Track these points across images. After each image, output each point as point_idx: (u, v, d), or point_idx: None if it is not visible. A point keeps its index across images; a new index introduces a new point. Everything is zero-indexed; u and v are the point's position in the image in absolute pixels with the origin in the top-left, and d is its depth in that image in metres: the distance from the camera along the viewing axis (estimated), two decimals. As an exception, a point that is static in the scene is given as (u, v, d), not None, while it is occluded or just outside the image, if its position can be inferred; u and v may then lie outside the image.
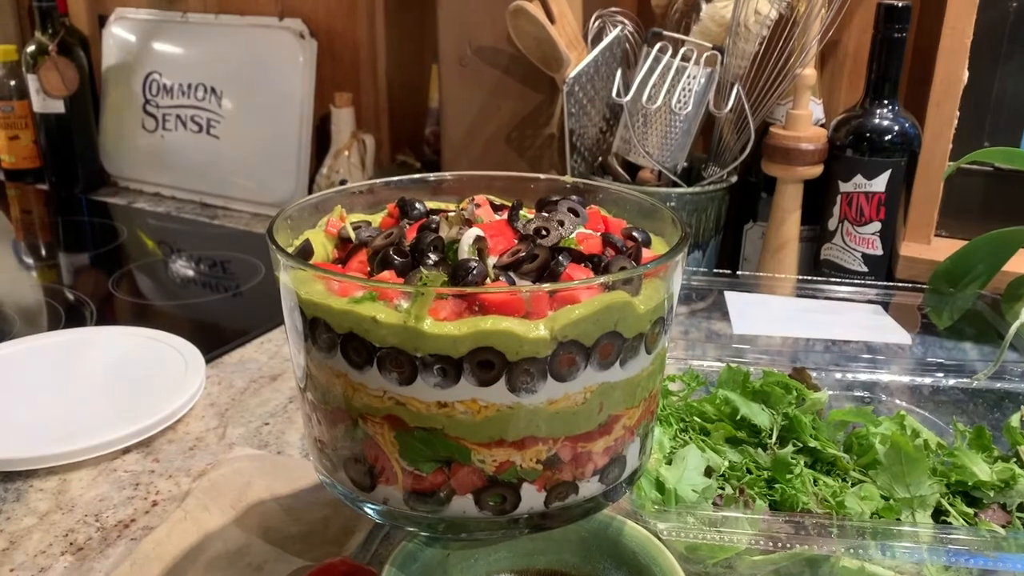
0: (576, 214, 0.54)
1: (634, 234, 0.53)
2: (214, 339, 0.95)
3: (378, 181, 0.59)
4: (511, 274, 0.46)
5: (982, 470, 0.63)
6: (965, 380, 0.72)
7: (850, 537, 0.53)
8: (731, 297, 0.85)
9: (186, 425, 0.79)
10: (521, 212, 0.52)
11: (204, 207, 1.47)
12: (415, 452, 0.45)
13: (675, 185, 1.00)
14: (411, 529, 0.49)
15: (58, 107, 1.47)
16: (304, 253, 0.50)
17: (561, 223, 0.50)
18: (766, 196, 1.03)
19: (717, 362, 0.75)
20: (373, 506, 0.49)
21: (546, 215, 0.51)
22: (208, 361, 0.89)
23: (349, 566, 0.54)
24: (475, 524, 0.48)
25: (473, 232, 0.47)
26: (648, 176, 1.04)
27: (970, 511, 0.61)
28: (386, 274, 0.46)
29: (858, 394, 0.75)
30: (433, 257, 0.47)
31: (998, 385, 0.71)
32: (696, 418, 0.68)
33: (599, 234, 0.52)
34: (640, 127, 0.98)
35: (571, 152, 0.98)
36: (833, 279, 0.92)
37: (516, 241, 0.49)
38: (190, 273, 1.22)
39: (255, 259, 1.21)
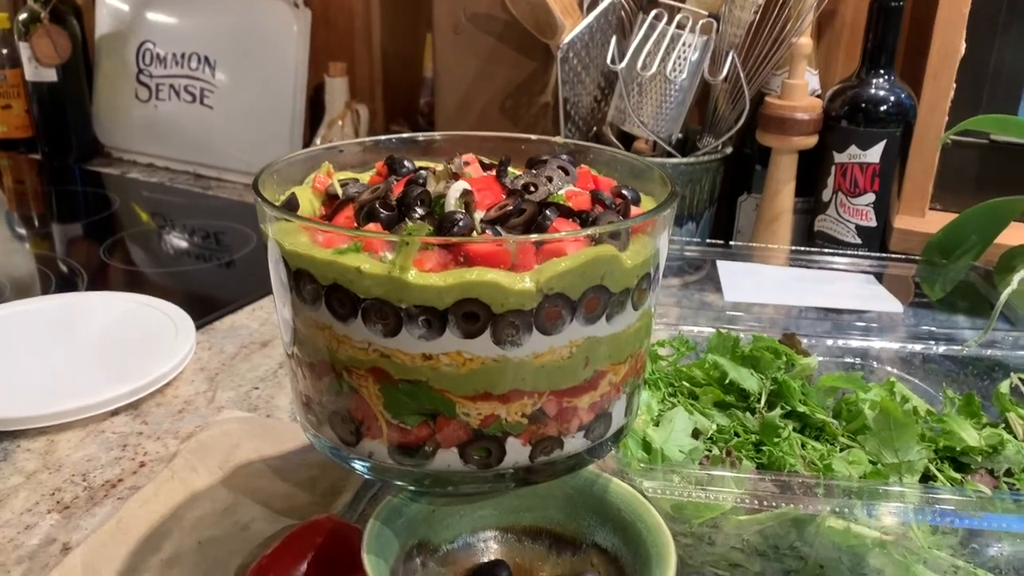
0: (566, 172, 0.53)
1: (623, 192, 0.52)
2: (206, 306, 0.95)
3: (367, 140, 0.59)
4: (498, 228, 0.46)
5: (970, 435, 0.63)
6: (955, 348, 0.72)
7: (836, 497, 0.53)
8: (723, 266, 0.85)
9: (175, 389, 0.79)
10: (509, 169, 0.52)
11: (198, 178, 1.46)
12: (400, 405, 0.45)
13: (669, 156, 1.00)
14: (398, 483, 0.49)
15: (50, 76, 1.46)
16: (290, 205, 0.49)
17: (549, 179, 0.50)
18: (761, 168, 1.03)
19: (709, 328, 0.75)
20: (359, 461, 0.49)
21: (535, 172, 0.51)
22: (199, 327, 0.89)
23: (334, 523, 0.54)
24: (461, 478, 0.48)
25: (460, 185, 0.47)
26: (643, 147, 1.03)
27: (958, 476, 0.61)
28: (372, 227, 0.46)
29: (849, 361, 0.74)
30: (420, 211, 0.47)
31: (988, 353, 0.71)
32: (685, 383, 0.68)
33: (588, 191, 0.51)
34: (635, 96, 0.97)
35: (565, 121, 0.97)
36: (826, 250, 0.92)
37: (504, 197, 0.49)
38: (183, 243, 1.21)
39: (248, 229, 1.21)
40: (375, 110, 1.34)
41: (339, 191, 0.52)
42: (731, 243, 0.93)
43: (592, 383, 0.47)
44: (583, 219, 0.47)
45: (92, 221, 1.31)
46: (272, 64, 1.36)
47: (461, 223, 0.44)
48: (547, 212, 0.46)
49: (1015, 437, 0.64)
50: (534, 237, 0.44)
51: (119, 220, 1.29)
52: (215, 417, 0.73)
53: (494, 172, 0.52)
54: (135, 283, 1.06)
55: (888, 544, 0.54)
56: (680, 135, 1.03)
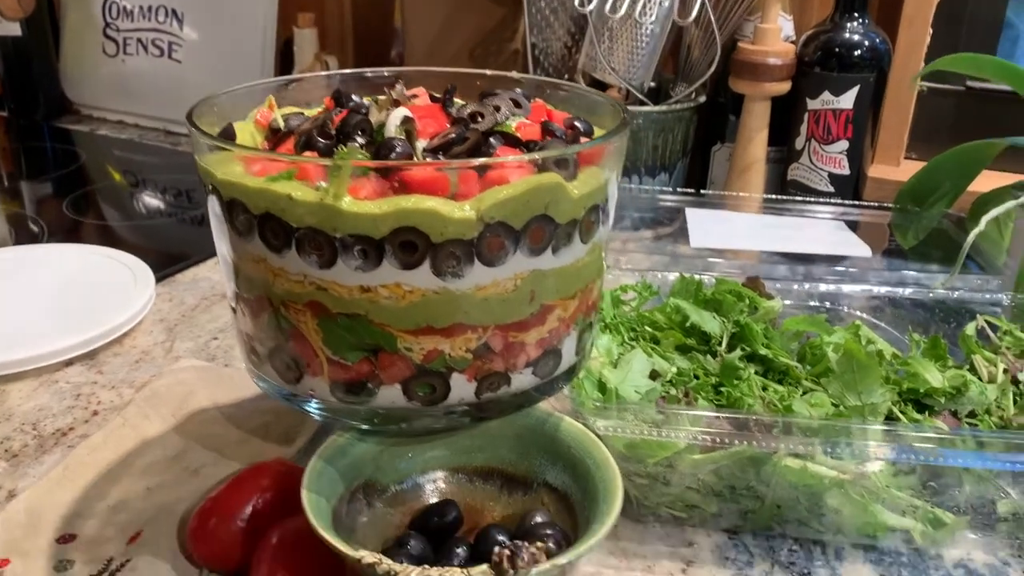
0: (518, 105, 0.52)
1: (575, 123, 0.51)
2: (169, 260, 0.93)
3: (312, 75, 0.57)
4: (440, 156, 0.44)
5: (934, 377, 0.62)
6: (922, 292, 0.71)
7: (794, 436, 0.52)
8: (691, 213, 0.83)
9: (133, 339, 0.78)
10: (456, 100, 0.50)
11: (168, 135, 1.43)
12: (339, 340, 0.44)
13: (641, 104, 0.98)
14: (349, 422, 0.48)
15: (14, 30, 1.42)
16: (226, 134, 0.47)
17: (497, 108, 0.48)
18: (734, 118, 1.01)
19: (676, 275, 0.74)
20: (303, 400, 0.47)
21: (480, 101, 0.49)
22: (160, 279, 0.87)
23: (282, 466, 0.53)
24: (408, 414, 0.46)
25: (400, 112, 0.45)
26: (615, 95, 1.01)
27: (921, 418, 0.60)
28: (308, 155, 0.44)
29: (815, 305, 0.73)
30: (360, 140, 0.45)
31: (955, 296, 0.70)
32: (647, 327, 0.66)
33: (539, 123, 0.50)
34: (605, 42, 0.95)
35: (534, 67, 0.95)
36: (798, 198, 0.90)
37: (448, 126, 0.47)
38: (152, 200, 1.19)
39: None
40: (346, 62, 1.32)
41: (282, 125, 0.51)
42: (703, 191, 0.91)
43: (539, 318, 0.46)
44: (530, 149, 0.46)
45: (58, 176, 1.29)
46: (241, 16, 1.33)
47: (399, 149, 0.42)
48: (491, 140, 0.45)
49: (980, 379, 0.64)
50: (475, 161, 0.42)
51: (85, 175, 1.27)
52: (171, 366, 0.72)
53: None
54: (101, 238, 1.04)
55: (846, 484, 0.54)
56: (653, 84, 1.01)
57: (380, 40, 1.32)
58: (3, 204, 1.21)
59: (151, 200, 1.19)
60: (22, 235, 1.04)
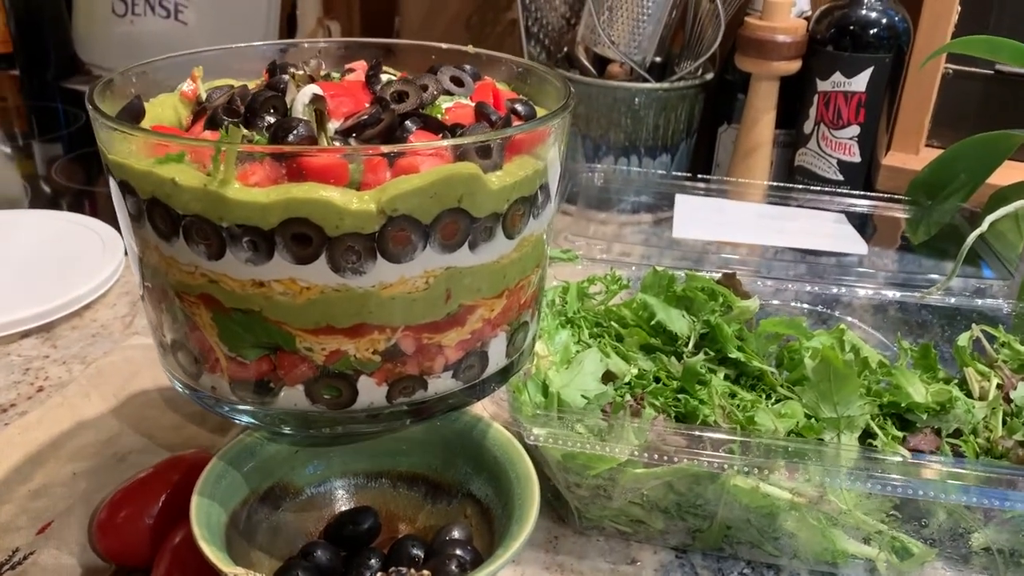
0: (460, 84, 0.48)
1: (517, 107, 0.46)
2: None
3: (245, 44, 0.53)
4: (351, 140, 0.40)
5: (917, 391, 0.57)
6: (916, 295, 0.65)
7: (747, 455, 0.48)
8: (681, 200, 0.78)
9: (94, 312, 0.76)
10: (386, 76, 0.46)
11: (175, 98, 1.41)
12: (235, 336, 0.41)
13: (643, 81, 0.93)
14: (261, 426, 0.45)
15: (25, -12, 1.41)
16: (131, 111, 0.44)
17: (424, 87, 0.44)
18: (743, 96, 0.95)
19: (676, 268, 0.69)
20: (207, 399, 0.44)
21: (409, 79, 0.45)
22: (133, 249, 0.85)
23: (198, 458, 0.50)
24: (324, 419, 0.43)
25: (310, 90, 0.41)
26: (617, 71, 0.96)
27: (900, 435, 0.55)
28: (208, 135, 0.41)
29: (801, 305, 0.68)
30: (269, 119, 0.42)
31: (952, 301, 0.65)
32: (614, 323, 0.62)
33: (474, 105, 0.45)
34: (605, 13, 0.90)
35: (527, 38, 0.90)
36: (800, 187, 0.85)
37: (367, 105, 0.43)
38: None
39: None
40: (352, 28, 1.28)
41: (204, 97, 0.47)
42: (700, 176, 0.86)
43: (457, 318, 0.42)
44: (453, 134, 0.42)
45: (46, 139, 1.28)
46: (246, -23, 1.29)
47: (298, 131, 0.39)
48: (408, 124, 0.41)
49: (971, 394, 0.59)
50: (384, 149, 0.38)
51: (77, 138, 1.26)
52: (124, 343, 0.70)
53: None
54: (78, 201, 1.03)
55: (801, 507, 0.49)
56: (658, 59, 0.96)
57: (386, 6, 1.28)
58: (18, 164, 1.21)
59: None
60: (38, 197, 1.04)
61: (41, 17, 1.45)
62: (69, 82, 1.48)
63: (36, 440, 0.58)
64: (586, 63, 0.96)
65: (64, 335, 0.72)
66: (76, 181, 1.11)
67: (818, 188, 0.86)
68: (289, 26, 1.31)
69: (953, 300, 0.64)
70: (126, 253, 0.83)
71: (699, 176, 0.87)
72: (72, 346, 0.71)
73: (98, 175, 1.13)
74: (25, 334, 0.72)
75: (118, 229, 0.84)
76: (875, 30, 0.85)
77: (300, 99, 0.41)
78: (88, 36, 1.49)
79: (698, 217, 0.76)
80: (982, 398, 0.58)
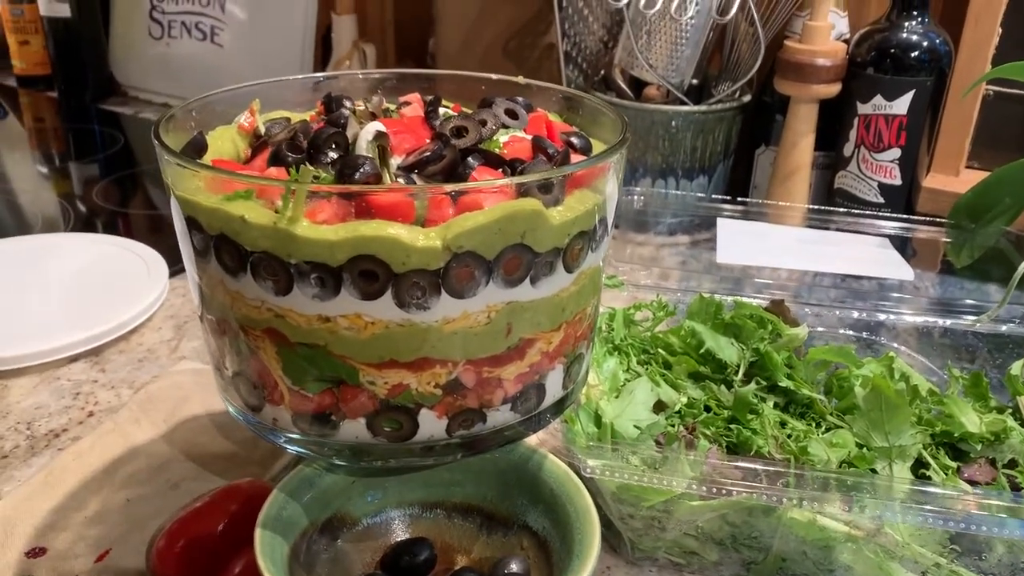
0: (514, 116, 0.48)
1: (572, 140, 0.47)
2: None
3: (308, 76, 0.54)
4: (413, 176, 0.41)
5: (971, 421, 0.56)
6: (966, 322, 0.65)
7: (803, 487, 0.48)
8: (723, 224, 0.78)
9: (140, 336, 0.76)
10: (443, 110, 0.47)
11: (210, 119, 1.43)
12: (299, 370, 0.41)
13: (681, 104, 0.93)
14: (318, 456, 0.45)
15: (64, 11, 1.43)
16: (195, 146, 0.45)
17: (483, 123, 0.44)
18: (781, 118, 0.95)
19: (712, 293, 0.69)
20: (267, 429, 0.45)
21: (468, 113, 0.46)
22: (175, 273, 0.86)
23: (254, 488, 0.50)
24: (381, 451, 0.44)
25: (373, 127, 0.42)
26: (654, 93, 0.96)
27: (953, 465, 0.55)
28: (274, 171, 0.41)
29: (849, 333, 0.68)
30: (332, 155, 0.42)
31: (1003, 329, 0.64)
32: (661, 350, 0.62)
33: (531, 139, 0.46)
34: (643, 37, 0.90)
35: (566, 62, 0.91)
36: (842, 210, 0.84)
37: (428, 141, 0.43)
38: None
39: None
40: (386, 51, 1.29)
41: (263, 130, 0.48)
42: (739, 199, 0.86)
43: (517, 352, 0.42)
44: (513, 169, 0.42)
45: (87, 161, 1.29)
46: (282, 1, 1.31)
47: (363, 168, 0.39)
48: (470, 160, 0.41)
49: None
50: (449, 188, 0.39)
51: (117, 161, 1.27)
52: (173, 368, 0.70)
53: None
54: (120, 225, 1.04)
55: (858, 539, 0.49)
56: (695, 81, 0.96)
57: (421, 29, 1.29)
58: (55, 185, 1.23)
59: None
60: (76, 219, 1.06)
61: (79, 40, 1.47)
62: (106, 103, 1.51)
63: (90, 466, 0.58)
64: (623, 86, 0.96)
65: (112, 359, 0.73)
66: (113, 203, 1.12)
67: (859, 211, 0.85)
68: (324, 48, 1.33)
69: (1004, 328, 0.63)
70: (171, 276, 0.84)
71: (738, 199, 0.87)
72: (120, 370, 0.71)
73: (134, 197, 1.15)
74: (74, 358, 0.72)
75: (161, 252, 0.86)
76: (916, 53, 0.84)
77: (364, 136, 0.41)
78: (125, 58, 1.51)
79: (741, 242, 0.76)
80: (1036, 428, 0.57)
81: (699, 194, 0.96)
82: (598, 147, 0.47)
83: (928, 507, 0.46)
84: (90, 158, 1.32)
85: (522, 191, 0.39)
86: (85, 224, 1.05)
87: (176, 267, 0.87)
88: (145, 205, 1.13)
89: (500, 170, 0.42)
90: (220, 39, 1.38)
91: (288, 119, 0.50)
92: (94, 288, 0.81)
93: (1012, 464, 0.55)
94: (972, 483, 0.53)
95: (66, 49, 1.47)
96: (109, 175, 1.22)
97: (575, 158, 0.44)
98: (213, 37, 1.39)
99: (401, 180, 0.40)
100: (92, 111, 1.49)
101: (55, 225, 1.04)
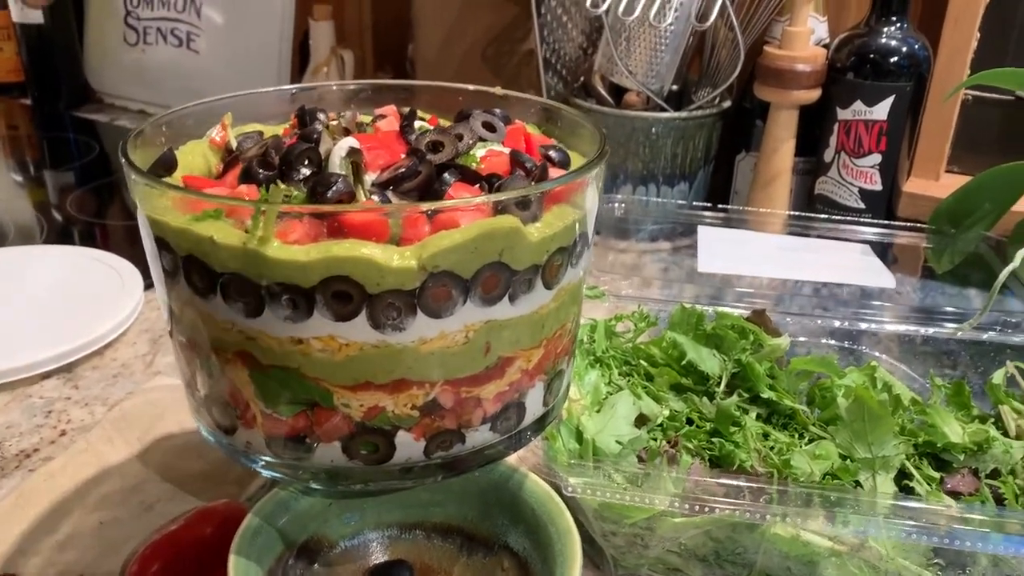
0: (492, 129, 0.47)
1: (551, 153, 0.46)
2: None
3: (273, 89, 0.53)
4: (388, 194, 0.40)
5: (954, 431, 0.56)
6: (948, 330, 0.65)
7: (785, 503, 0.47)
8: (703, 232, 0.77)
9: (114, 351, 0.75)
10: (420, 123, 0.46)
11: (187, 126, 1.41)
12: (272, 393, 0.40)
13: (661, 111, 0.92)
14: (294, 480, 0.44)
15: (37, 17, 1.41)
16: (165, 165, 0.43)
17: (460, 137, 0.44)
18: (761, 124, 0.95)
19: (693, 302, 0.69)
20: (241, 453, 0.44)
21: (444, 127, 0.45)
22: (151, 286, 0.84)
23: (230, 510, 0.49)
24: (358, 473, 0.43)
25: (346, 143, 0.41)
26: (634, 99, 0.95)
27: (937, 476, 0.54)
28: (244, 189, 0.40)
29: (830, 342, 0.68)
30: (305, 171, 0.41)
31: (985, 337, 0.64)
32: (643, 362, 0.62)
33: (509, 152, 0.45)
34: (622, 43, 0.90)
35: (545, 68, 0.90)
36: (823, 216, 0.84)
37: (403, 156, 0.43)
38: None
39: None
40: (364, 56, 1.28)
41: (234, 145, 0.47)
42: (720, 206, 0.85)
43: (496, 371, 0.42)
44: (491, 185, 0.41)
45: (61, 171, 1.28)
46: (258, 7, 1.29)
47: (336, 187, 0.38)
48: (446, 176, 0.41)
49: (1007, 433, 0.58)
50: (425, 206, 0.38)
51: (92, 170, 1.26)
52: (147, 384, 0.69)
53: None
54: (94, 235, 1.03)
55: (843, 554, 0.49)
56: (675, 87, 0.96)
57: (399, 35, 1.28)
58: (30, 193, 1.21)
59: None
60: (52, 228, 1.04)
61: (53, 46, 1.45)
62: (81, 111, 1.49)
63: (61, 488, 0.57)
64: (603, 92, 0.96)
65: (85, 375, 0.72)
66: (89, 212, 1.11)
67: (840, 217, 0.85)
68: (302, 54, 1.31)
69: (985, 336, 0.63)
70: (145, 289, 0.83)
71: (719, 206, 0.86)
72: (93, 387, 0.70)
73: (111, 206, 1.13)
74: (46, 375, 0.71)
75: (136, 264, 0.84)
76: (895, 58, 0.84)
77: (337, 152, 0.41)
78: (100, 65, 1.49)
79: (722, 250, 0.75)
80: (1019, 437, 0.57)
81: (680, 201, 0.96)
82: (577, 159, 0.47)
83: (911, 522, 0.46)
84: (65, 166, 1.30)
85: (499, 208, 0.38)
86: (60, 234, 1.03)
87: (151, 279, 0.85)
88: (122, 215, 1.11)
89: (477, 186, 0.41)
90: (196, 45, 1.36)
91: (261, 132, 0.49)
92: (67, 302, 0.79)
93: (995, 474, 0.55)
94: (955, 494, 0.53)
95: (40, 56, 1.45)
96: (85, 184, 1.21)
97: (554, 172, 0.44)
98: (189, 43, 1.37)
99: (376, 197, 0.40)
100: (67, 119, 1.47)
101: (30, 235, 1.03)
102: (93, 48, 1.49)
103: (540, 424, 0.47)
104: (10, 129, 1.48)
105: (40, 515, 0.55)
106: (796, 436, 0.57)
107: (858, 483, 0.52)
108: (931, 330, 0.64)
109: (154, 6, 1.40)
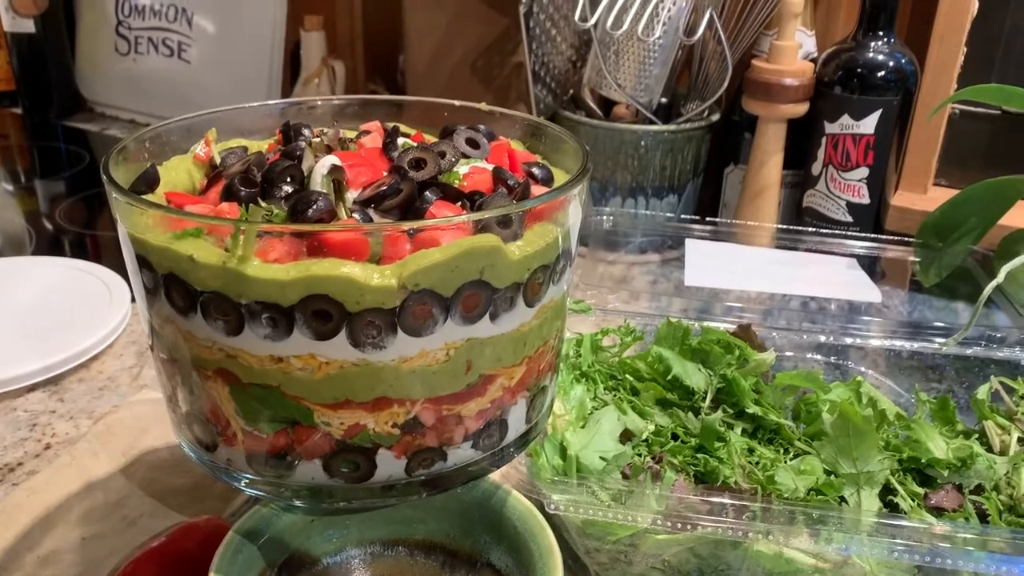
0: (476, 145, 0.47)
1: (534, 170, 0.46)
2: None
3: (258, 104, 0.53)
4: (370, 212, 0.40)
5: (938, 446, 0.56)
6: (934, 345, 0.65)
7: (769, 520, 0.47)
8: (691, 245, 0.78)
9: (101, 363, 0.75)
10: (403, 140, 0.46)
11: (178, 136, 1.41)
12: (252, 411, 0.40)
13: (650, 123, 0.93)
14: (275, 497, 0.44)
15: (29, 26, 1.41)
16: (147, 181, 0.43)
17: (442, 154, 0.44)
18: (749, 137, 0.95)
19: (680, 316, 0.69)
20: (221, 470, 0.44)
21: (427, 144, 0.45)
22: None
23: (212, 526, 0.49)
24: (340, 491, 0.43)
25: (328, 161, 0.41)
26: (623, 112, 0.96)
27: (921, 491, 0.54)
28: (226, 207, 0.40)
29: (816, 356, 0.68)
30: (286, 189, 0.41)
31: (970, 351, 0.64)
32: (629, 376, 0.62)
33: (492, 169, 0.45)
34: (611, 57, 0.90)
35: (534, 81, 0.90)
36: (810, 230, 0.84)
37: (385, 173, 0.43)
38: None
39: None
40: (355, 67, 1.28)
41: (218, 161, 0.47)
42: (708, 219, 0.86)
43: (478, 389, 0.41)
44: (472, 203, 0.41)
45: (51, 180, 1.27)
46: (250, 16, 1.30)
47: (316, 205, 0.38)
48: (427, 194, 0.41)
49: (991, 448, 0.58)
50: (405, 226, 0.38)
51: (81, 181, 1.25)
52: (133, 397, 0.69)
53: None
54: (84, 246, 1.03)
55: (825, 571, 0.49)
56: (664, 100, 0.96)
57: (391, 46, 1.28)
58: (20, 203, 1.21)
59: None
60: (42, 238, 1.03)
61: (44, 55, 1.45)
62: (72, 120, 1.48)
63: (44, 503, 0.57)
64: (592, 105, 0.96)
65: (71, 388, 0.71)
66: (79, 222, 1.11)
67: (828, 230, 0.86)
68: (293, 65, 1.32)
69: (970, 351, 0.63)
70: (133, 301, 0.83)
71: (707, 219, 0.87)
72: (79, 400, 0.70)
73: (101, 216, 1.13)
74: (32, 388, 0.71)
75: (123, 276, 0.84)
76: (883, 72, 0.85)
77: (318, 170, 0.41)
78: (91, 74, 1.49)
79: (709, 264, 0.75)
80: (1003, 452, 0.57)
81: (668, 214, 0.96)
82: (560, 176, 0.47)
83: (895, 539, 0.46)
84: (56, 176, 1.30)
85: (480, 226, 0.38)
86: (50, 245, 1.03)
87: (139, 291, 0.85)
88: (111, 226, 1.10)
89: (459, 203, 0.41)
90: (188, 55, 1.36)
91: (245, 148, 0.49)
92: (54, 314, 0.79)
93: (979, 490, 0.55)
94: (939, 510, 0.53)
95: (31, 65, 1.45)
96: (75, 193, 1.21)
97: (536, 190, 0.44)
98: (180, 53, 1.37)
99: (357, 215, 0.40)
100: (58, 128, 1.47)
101: (19, 245, 1.02)
102: (84, 57, 1.49)
103: (523, 440, 0.47)
104: (1, 139, 1.47)
105: (22, 531, 0.54)
106: (781, 451, 0.57)
107: (843, 499, 0.52)
108: (917, 345, 0.64)
109: (146, 16, 1.40)
